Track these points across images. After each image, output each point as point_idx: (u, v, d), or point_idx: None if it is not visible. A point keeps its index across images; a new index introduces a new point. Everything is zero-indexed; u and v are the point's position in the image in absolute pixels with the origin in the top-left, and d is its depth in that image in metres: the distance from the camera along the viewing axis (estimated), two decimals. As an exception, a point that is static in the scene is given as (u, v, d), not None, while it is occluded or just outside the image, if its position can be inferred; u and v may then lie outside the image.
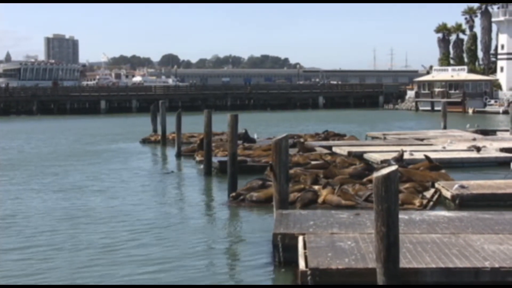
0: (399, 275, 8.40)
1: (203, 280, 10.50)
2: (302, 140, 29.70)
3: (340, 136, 33.33)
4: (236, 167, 18.29)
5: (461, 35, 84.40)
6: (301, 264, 9.53)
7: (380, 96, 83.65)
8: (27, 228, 14.40)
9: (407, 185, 16.50)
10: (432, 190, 16.67)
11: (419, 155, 22.71)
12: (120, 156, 29.10)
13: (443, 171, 19.67)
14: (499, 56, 77.75)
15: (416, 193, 16.09)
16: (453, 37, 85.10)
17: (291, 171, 17.06)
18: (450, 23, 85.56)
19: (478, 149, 24.93)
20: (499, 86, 73.88)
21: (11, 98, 77.14)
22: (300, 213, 13.12)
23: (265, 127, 45.01)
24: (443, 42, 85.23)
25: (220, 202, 17.24)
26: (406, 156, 22.51)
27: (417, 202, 15.23)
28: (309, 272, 9.16)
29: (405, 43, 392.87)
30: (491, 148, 26.04)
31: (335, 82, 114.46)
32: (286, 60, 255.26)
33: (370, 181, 16.46)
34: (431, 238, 10.76)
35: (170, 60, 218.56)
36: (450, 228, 11.71)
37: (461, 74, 72.72)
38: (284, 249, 10.91)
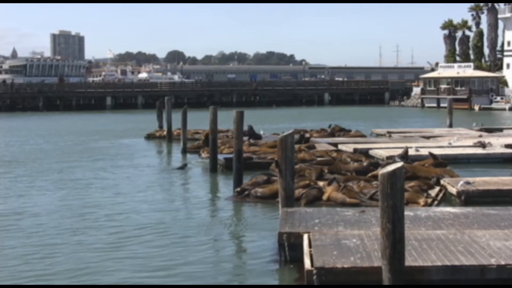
0: (404, 271, 8.38)
1: (207, 279, 10.44)
2: (308, 135, 29.61)
3: (345, 131, 33.22)
4: (242, 163, 18.25)
5: (467, 32, 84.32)
6: (307, 263, 9.49)
7: (385, 93, 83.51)
8: (31, 225, 14.37)
9: (411, 183, 16.34)
10: (437, 189, 16.57)
11: (424, 152, 22.64)
12: (125, 153, 29.12)
13: (448, 167, 19.61)
14: (505, 53, 77.60)
15: (421, 191, 15.94)
16: (459, 34, 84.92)
17: (296, 166, 16.98)
18: (456, 20, 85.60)
19: (484, 145, 24.88)
20: (505, 83, 73.66)
21: (17, 94, 77.29)
22: (305, 211, 13.08)
23: (270, 124, 44.95)
24: (449, 39, 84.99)
25: (225, 198, 17.23)
26: (412, 152, 22.44)
27: (421, 201, 15.02)
28: (314, 271, 9.12)
29: (411, 39, 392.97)
30: (497, 144, 25.98)
31: (340, 79, 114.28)
32: (291, 56, 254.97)
33: (374, 177, 16.45)
34: (437, 235, 10.73)
35: (175, 56, 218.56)
36: (456, 224, 11.68)
37: (467, 71, 72.53)
38: (289, 248, 10.85)
